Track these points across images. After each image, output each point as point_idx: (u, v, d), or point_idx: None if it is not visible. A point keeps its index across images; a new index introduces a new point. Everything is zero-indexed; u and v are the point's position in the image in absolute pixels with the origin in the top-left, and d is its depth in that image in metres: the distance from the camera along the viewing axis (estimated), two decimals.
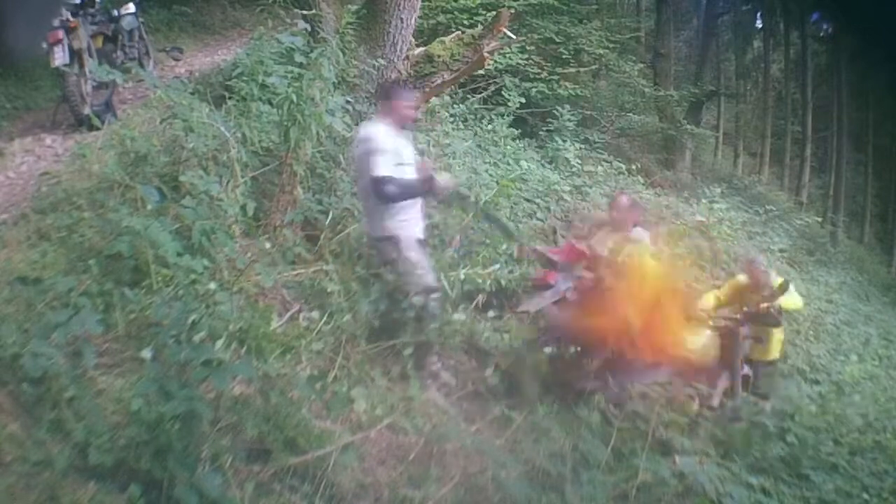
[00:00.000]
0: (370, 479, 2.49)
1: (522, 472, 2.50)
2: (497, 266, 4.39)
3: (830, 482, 3.58)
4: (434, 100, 6.22)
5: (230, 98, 4.49)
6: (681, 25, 21.94)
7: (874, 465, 3.99)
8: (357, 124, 4.59)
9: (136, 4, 6.24)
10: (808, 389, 4.77)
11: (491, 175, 5.66)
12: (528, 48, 9.52)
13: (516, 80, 8.86)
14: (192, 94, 4.62)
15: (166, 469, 1.90)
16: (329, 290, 3.55)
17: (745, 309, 4.52)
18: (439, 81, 5.55)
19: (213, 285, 3.05)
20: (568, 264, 4.00)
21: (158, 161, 4.00)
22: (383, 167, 3.52)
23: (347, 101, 4.60)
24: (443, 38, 5.67)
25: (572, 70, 10.11)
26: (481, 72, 7.29)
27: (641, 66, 13.57)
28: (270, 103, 4.31)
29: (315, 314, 3.53)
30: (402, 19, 5.15)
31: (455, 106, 7.10)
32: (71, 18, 4.98)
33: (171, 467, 1.89)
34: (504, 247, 4.68)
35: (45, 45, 4.72)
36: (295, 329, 3.44)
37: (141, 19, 6.45)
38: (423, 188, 3.71)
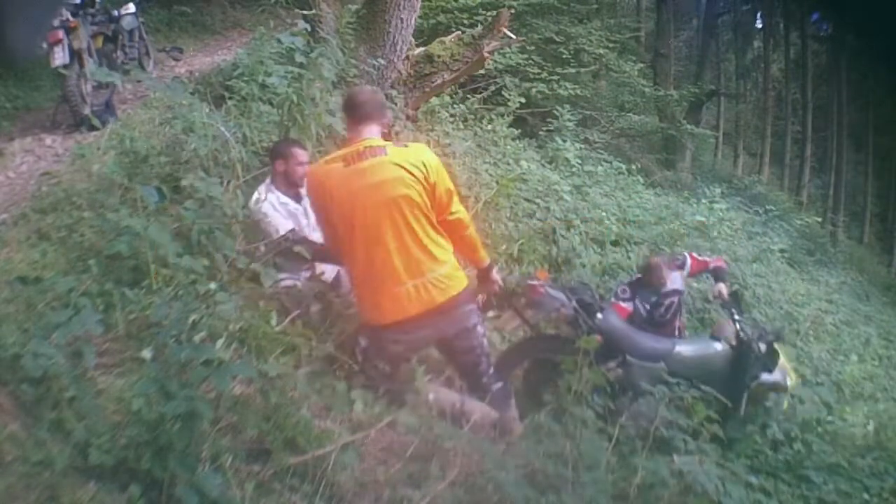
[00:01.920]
0: (370, 478, 2.48)
1: (521, 473, 2.51)
2: (497, 267, 4.38)
3: (831, 482, 3.58)
4: (434, 100, 6.22)
5: (230, 98, 4.49)
6: (681, 25, 21.97)
7: (875, 465, 3.99)
8: None
9: (136, 4, 6.24)
10: (809, 392, 4.75)
11: (491, 175, 5.66)
12: (528, 48, 9.53)
13: (516, 80, 8.86)
14: (192, 94, 4.62)
15: (167, 469, 1.90)
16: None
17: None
18: (439, 81, 5.55)
19: (213, 285, 3.04)
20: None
21: (158, 161, 4.00)
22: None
23: None
24: (443, 38, 5.68)
25: (572, 70, 10.11)
26: (481, 72, 7.31)
27: (641, 66, 13.58)
28: (271, 103, 4.31)
29: (315, 315, 3.52)
30: (402, 19, 5.15)
31: (455, 106, 7.10)
32: (71, 18, 4.98)
33: (172, 467, 1.89)
34: (504, 247, 4.69)
35: (45, 45, 4.72)
36: (295, 329, 3.44)
37: (141, 19, 6.45)
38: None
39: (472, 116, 7.47)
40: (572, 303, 3.80)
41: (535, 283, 3.89)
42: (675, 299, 4.63)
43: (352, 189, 2.73)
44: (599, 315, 3.84)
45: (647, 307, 4.53)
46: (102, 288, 2.89)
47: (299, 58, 4.13)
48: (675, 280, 4.61)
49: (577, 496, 2.19)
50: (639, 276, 4.64)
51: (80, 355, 2.37)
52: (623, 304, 4.48)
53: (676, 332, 4.66)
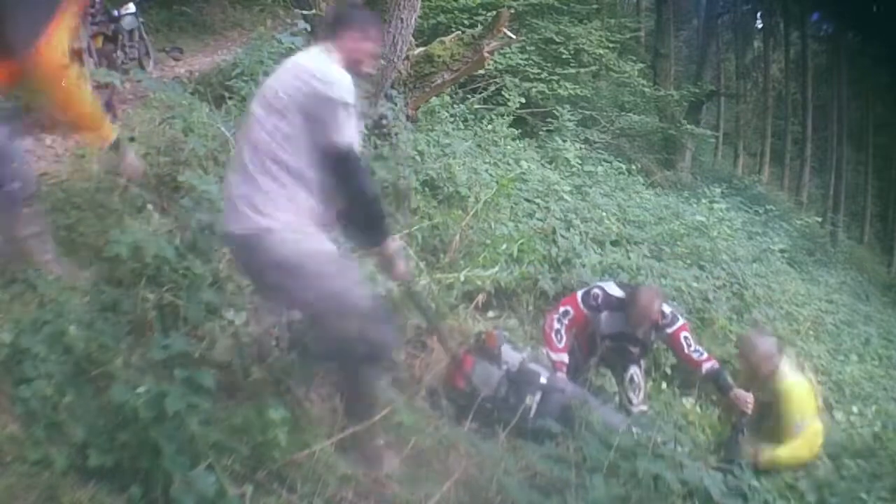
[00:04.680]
0: (370, 478, 2.48)
1: (524, 476, 2.50)
2: (496, 269, 4.38)
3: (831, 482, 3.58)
4: (434, 100, 6.22)
5: (230, 98, 4.48)
6: (681, 25, 21.98)
7: (875, 465, 3.99)
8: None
9: (136, 4, 6.23)
10: None
11: (491, 175, 5.65)
12: (528, 48, 9.54)
13: (516, 80, 8.87)
14: (192, 94, 4.62)
15: (165, 469, 1.90)
16: None
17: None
18: (439, 81, 5.55)
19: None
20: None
21: (158, 161, 4.00)
22: (355, 134, 2.37)
23: None
24: (443, 38, 5.68)
25: (572, 70, 10.11)
26: (481, 72, 7.31)
27: (641, 66, 13.58)
28: None
29: None
30: (402, 19, 5.14)
31: (455, 106, 7.10)
32: None
33: (168, 467, 1.88)
34: (504, 247, 4.68)
35: None
36: None
37: (141, 19, 6.44)
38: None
39: (472, 116, 7.47)
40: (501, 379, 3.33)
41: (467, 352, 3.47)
42: (637, 351, 3.89)
43: None
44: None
45: (602, 336, 3.78)
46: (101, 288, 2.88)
47: None
48: (646, 331, 3.82)
49: (580, 499, 2.19)
50: (620, 296, 3.79)
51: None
52: (583, 309, 3.76)
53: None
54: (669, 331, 3.76)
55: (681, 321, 3.83)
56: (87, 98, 2.61)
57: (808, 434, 3.60)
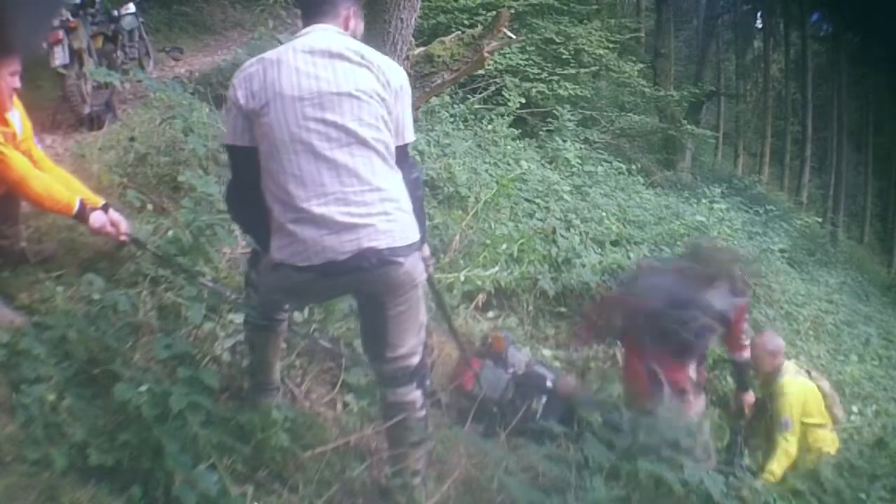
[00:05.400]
0: (371, 478, 2.48)
1: (525, 476, 2.50)
2: (496, 269, 4.39)
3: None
4: (434, 100, 6.22)
5: None
6: (681, 25, 22.00)
7: (875, 465, 3.98)
8: None
9: (136, 4, 6.24)
10: None
11: (491, 175, 5.66)
12: (528, 48, 9.54)
13: (516, 80, 8.87)
14: (192, 94, 4.62)
15: (166, 468, 1.89)
16: None
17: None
18: (439, 81, 5.54)
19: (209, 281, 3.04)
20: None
21: (158, 161, 4.00)
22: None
23: None
24: (443, 38, 5.67)
25: (572, 70, 10.12)
26: (481, 72, 7.30)
27: (641, 66, 13.58)
28: None
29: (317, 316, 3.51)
30: (402, 19, 5.14)
31: (455, 106, 7.10)
32: (71, 18, 4.97)
33: (171, 466, 1.88)
34: (504, 247, 4.68)
35: (45, 45, 4.71)
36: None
37: (141, 19, 6.44)
38: None
39: (472, 116, 7.47)
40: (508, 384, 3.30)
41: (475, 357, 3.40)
42: (713, 326, 3.24)
43: None
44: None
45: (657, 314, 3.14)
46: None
47: None
48: (721, 295, 3.21)
49: (580, 500, 2.19)
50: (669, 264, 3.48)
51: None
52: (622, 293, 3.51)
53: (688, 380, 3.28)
54: (743, 300, 3.33)
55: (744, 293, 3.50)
56: (32, 178, 2.59)
57: (806, 437, 3.61)
